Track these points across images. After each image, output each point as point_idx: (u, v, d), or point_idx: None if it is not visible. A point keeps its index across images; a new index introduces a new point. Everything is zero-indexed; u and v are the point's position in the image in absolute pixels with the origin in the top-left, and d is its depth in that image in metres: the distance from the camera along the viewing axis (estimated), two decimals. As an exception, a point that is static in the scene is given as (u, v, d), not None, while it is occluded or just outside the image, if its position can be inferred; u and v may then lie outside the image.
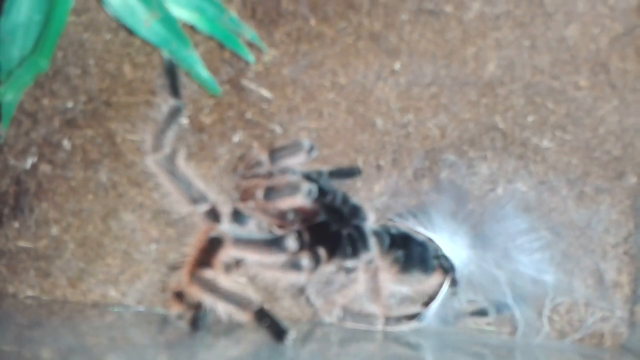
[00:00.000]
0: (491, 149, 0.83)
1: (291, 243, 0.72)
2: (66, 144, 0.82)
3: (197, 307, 0.69)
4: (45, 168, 0.81)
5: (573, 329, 0.82)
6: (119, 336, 0.70)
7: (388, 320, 0.80)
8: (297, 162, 0.80)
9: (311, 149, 0.77)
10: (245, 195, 0.75)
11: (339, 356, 0.76)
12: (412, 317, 0.80)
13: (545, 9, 0.80)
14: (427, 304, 0.81)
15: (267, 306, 0.73)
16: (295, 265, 0.73)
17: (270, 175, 0.76)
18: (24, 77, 0.68)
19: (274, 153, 0.77)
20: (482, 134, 0.82)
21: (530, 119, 0.81)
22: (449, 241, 0.82)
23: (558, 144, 0.81)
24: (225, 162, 0.83)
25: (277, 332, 0.68)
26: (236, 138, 0.83)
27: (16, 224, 0.81)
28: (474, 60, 0.80)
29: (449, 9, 0.80)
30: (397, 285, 0.83)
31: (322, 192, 0.75)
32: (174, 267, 0.76)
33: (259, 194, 0.73)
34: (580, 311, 0.82)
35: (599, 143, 0.80)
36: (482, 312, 0.83)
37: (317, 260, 0.75)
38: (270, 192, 0.73)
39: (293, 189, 0.72)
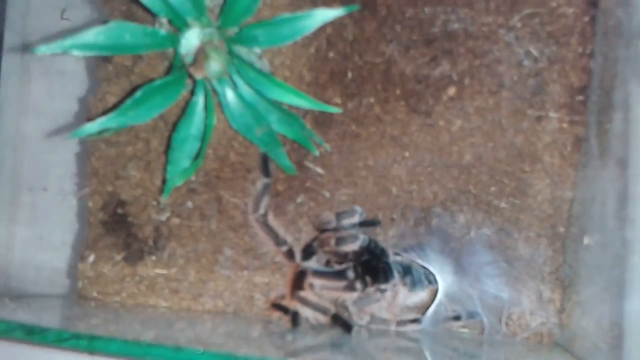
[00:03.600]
0: (467, 205, 1.03)
1: (350, 274, 0.97)
2: (190, 204, 1.07)
3: (295, 314, 0.98)
4: (175, 220, 1.07)
5: (522, 330, 1.00)
6: (232, 329, 0.99)
7: (398, 323, 1.01)
8: (353, 221, 1.02)
9: (362, 213, 1.03)
10: (322, 243, 1.01)
11: (369, 346, 0.99)
12: (414, 321, 1.00)
13: (502, 126, 1.03)
14: (424, 312, 1.00)
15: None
16: (352, 288, 0.97)
17: (336, 230, 1.01)
18: (191, 171, 0.97)
19: (339, 215, 1.03)
20: (461, 196, 1.03)
21: (492, 189, 1.02)
22: (438, 269, 1.01)
23: (511, 205, 1.02)
24: (291, 216, 1.06)
25: (347, 327, 0.96)
26: (299, 200, 1.06)
27: (154, 258, 1.06)
28: (456, 153, 1.03)
29: (441, 123, 1.04)
30: (408, 300, 1.00)
31: (369, 241, 0.99)
32: (269, 288, 1.04)
33: (332, 242, 0.99)
34: (527, 318, 1.00)
35: (537, 206, 1.01)
36: (457, 317, 1.00)
37: (365, 285, 0.97)
38: (340, 241, 0.98)
39: (355, 239, 0.97)
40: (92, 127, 0.83)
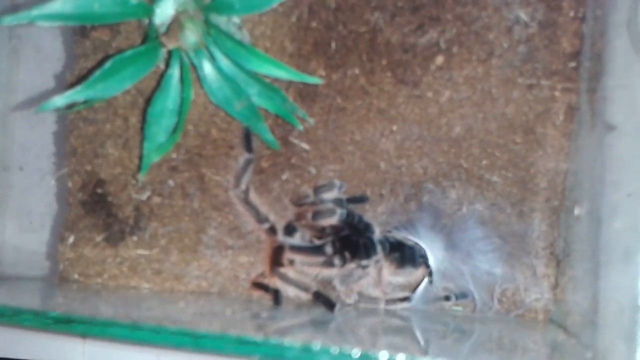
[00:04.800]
0: (458, 180, 1.01)
1: (329, 249, 0.95)
2: (171, 182, 1.04)
3: (276, 291, 0.96)
4: (156, 199, 1.05)
5: (516, 307, 0.99)
6: (217, 310, 0.96)
7: (387, 301, 0.99)
8: (332, 195, 1.00)
9: (341, 186, 1.01)
10: (299, 217, 1.00)
11: (357, 325, 0.97)
12: (404, 299, 0.99)
13: (492, 96, 1.00)
14: (414, 290, 0.99)
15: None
16: (330, 264, 0.95)
17: (314, 204, 1.00)
18: (167, 146, 0.94)
19: (317, 189, 1.02)
20: (452, 171, 1.01)
21: (484, 162, 1.00)
22: (429, 246, 0.99)
23: (503, 179, 1.00)
24: (277, 193, 1.04)
25: (329, 305, 0.94)
26: (284, 176, 1.04)
27: (135, 238, 1.04)
28: (445, 126, 1.01)
29: (429, 94, 1.01)
30: (395, 277, 0.99)
31: (348, 215, 0.97)
32: (253, 267, 1.02)
33: (309, 216, 0.97)
34: (521, 294, 0.99)
35: (530, 179, 0.99)
36: (447, 298, 1.00)
37: (344, 260, 0.95)
38: (316, 215, 0.97)
39: (331, 212, 0.96)
40: (59, 100, 0.81)
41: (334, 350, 0.56)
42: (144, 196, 1.04)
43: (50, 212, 1.08)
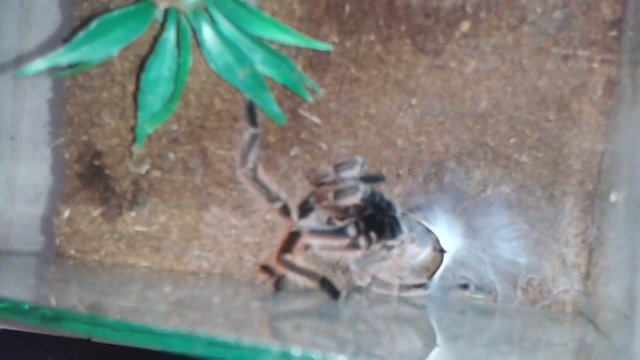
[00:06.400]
0: (483, 159, 0.96)
1: (352, 230, 0.91)
2: (171, 156, 1.00)
3: (280, 277, 0.91)
4: (156, 173, 1.00)
5: (543, 298, 0.94)
6: (216, 294, 0.93)
7: (401, 287, 0.95)
8: (353, 174, 0.96)
9: (363, 164, 0.96)
10: (319, 197, 0.95)
11: (368, 314, 0.93)
12: (419, 286, 0.95)
13: (523, 67, 0.94)
14: (430, 276, 0.96)
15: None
16: (355, 246, 0.91)
17: (334, 182, 0.95)
18: (162, 116, 0.89)
19: (337, 167, 0.97)
20: (477, 149, 0.96)
21: (512, 140, 0.95)
22: (447, 231, 0.96)
23: (533, 160, 0.95)
24: (284, 170, 0.99)
25: (334, 293, 0.90)
26: (293, 152, 1.00)
27: (133, 214, 1.00)
28: (470, 99, 0.96)
29: (453, 64, 0.96)
30: (415, 257, 0.95)
31: (372, 193, 0.93)
32: (259, 249, 0.98)
33: (330, 195, 0.92)
34: (549, 285, 0.95)
35: (563, 160, 0.94)
36: (465, 286, 0.96)
37: (369, 241, 0.91)
38: (338, 194, 0.92)
39: (354, 190, 0.91)
40: (39, 63, 0.75)
41: (317, 355, 0.49)
42: (143, 170, 1.00)
43: (45, 184, 1.04)
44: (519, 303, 0.95)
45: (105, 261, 1.00)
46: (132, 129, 0.98)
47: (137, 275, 0.97)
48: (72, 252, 1.00)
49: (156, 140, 0.99)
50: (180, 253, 0.99)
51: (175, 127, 0.99)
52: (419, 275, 0.97)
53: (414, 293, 0.96)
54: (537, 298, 0.95)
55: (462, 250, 0.96)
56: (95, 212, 1.00)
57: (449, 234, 0.97)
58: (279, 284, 0.91)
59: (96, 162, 1.00)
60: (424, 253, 0.95)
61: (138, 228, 0.99)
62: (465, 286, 0.96)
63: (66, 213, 1.00)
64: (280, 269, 0.91)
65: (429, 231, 0.96)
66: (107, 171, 1.00)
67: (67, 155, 1.01)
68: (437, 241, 0.96)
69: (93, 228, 1.01)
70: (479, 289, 0.96)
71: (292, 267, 0.90)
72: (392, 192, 0.99)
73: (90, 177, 1.00)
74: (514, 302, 0.95)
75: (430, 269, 0.97)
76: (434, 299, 0.97)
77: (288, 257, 0.90)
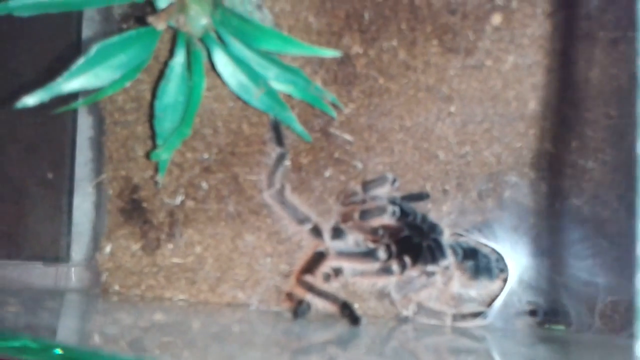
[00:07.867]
0: (547, 170, 0.87)
1: (381, 254, 0.85)
2: (204, 185, 0.98)
3: (300, 303, 0.85)
4: (190, 203, 0.98)
5: (625, 326, 0.82)
6: (247, 329, 0.87)
7: (455, 317, 0.87)
8: (384, 191, 0.91)
9: (394, 181, 0.90)
10: (345, 217, 0.90)
11: (416, 345, 0.84)
12: (476, 314, 0.87)
13: (569, 58, 0.85)
14: (489, 304, 0.87)
15: (356, 306, 0.88)
16: (387, 271, 0.85)
17: (363, 201, 0.89)
18: (175, 142, 0.86)
19: (366, 185, 0.92)
20: (535, 157, 0.87)
21: (573, 144, 0.86)
22: (511, 251, 0.89)
23: (600, 164, 0.85)
24: (319, 193, 0.94)
25: (354, 319, 0.83)
26: (327, 173, 0.95)
27: (170, 246, 0.98)
28: (515, 100, 0.87)
29: (488, 62, 0.88)
30: (466, 289, 0.87)
31: (405, 213, 0.87)
32: (286, 275, 0.92)
33: (355, 215, 0.87)
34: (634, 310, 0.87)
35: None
36: (534, 312, 0.88)
37: (403, 266, 0.85)
38: (364, 214, 0.87)
39: (381, 210, 0.86)
40: (41, 94, 0.74)
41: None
42: (177, 200, 0.98)
43: (88, 220, 1.05)
44: (597, 331, 0.84)
45: (146, 295, 0.98)
46: (159, 159, 0.96)
47: (175, 309, 0.93)
48: (117, 287, 1.00)
49: (188, 169, 0.97)
50: (215, 284, 0.96)
51: (206, 155, 0.97)
52: (475, 303, 0.88)
53: (470, 323, 0.87)
54: (617, 326, 0.84)
55: (528, 270, 0.87)
56: (135, 246, 0.99)
57: (513, 253, 0.88)
58: (297, 310, 0.84)
59: (135, 196, 0.99)
60: (484, 286, 0.87)
61: (175, 260, 0.97)
62: (533, 312, 0.88)
63: (108, 248, 1.00)
64: (299, 292, 0.84)
65: (495, 253, 0.88)
66: (144, 204, 0.99)
67: (110, 191, 1.02)
68: (504, 265, 0.87)
69: (134, 262, 1.00)
70: (550, 315, 0.87)
71: (311, 288, 0.84)
72: (441, 210, 0.91)
73: (130, 211, 1.00)
74: (591, 330, 0.84)
75: (487, 299, 0.88)
76: (494, 330, 0.87)
77: (308, 277, 0.84)
